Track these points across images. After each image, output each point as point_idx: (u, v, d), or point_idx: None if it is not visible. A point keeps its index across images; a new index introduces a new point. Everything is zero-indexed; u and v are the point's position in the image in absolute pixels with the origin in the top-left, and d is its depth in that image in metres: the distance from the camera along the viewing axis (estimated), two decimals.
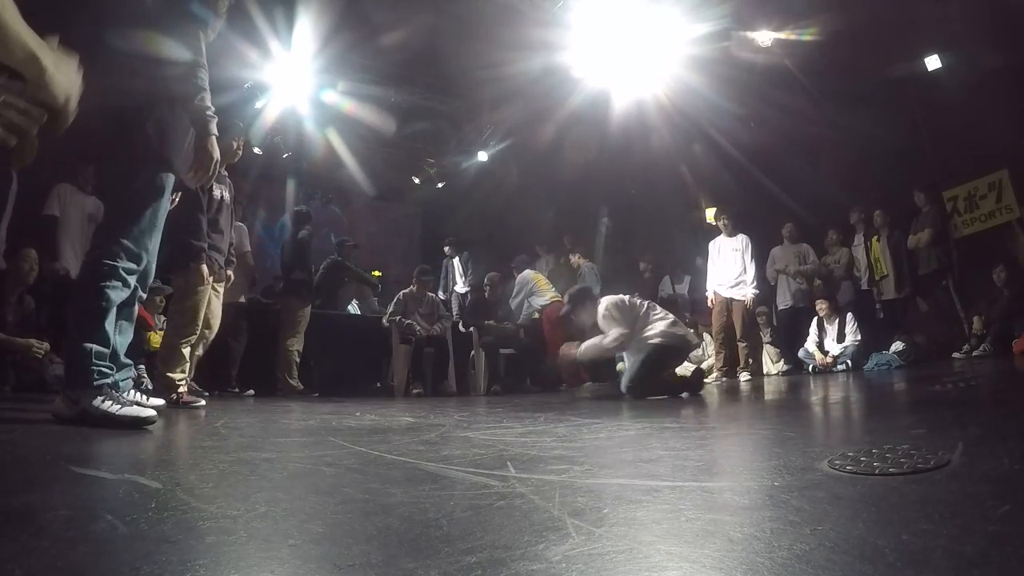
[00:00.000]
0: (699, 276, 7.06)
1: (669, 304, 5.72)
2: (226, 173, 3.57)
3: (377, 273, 8.22)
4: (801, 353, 6.28)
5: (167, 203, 2.23)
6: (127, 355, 2.21)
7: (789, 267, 6.69)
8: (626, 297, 4.41)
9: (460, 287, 8.15)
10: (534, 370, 6.63)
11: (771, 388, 4.78)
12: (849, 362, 5.98)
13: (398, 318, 6.03)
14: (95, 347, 1.95)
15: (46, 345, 3.68)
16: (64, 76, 1.06)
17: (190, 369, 3.49)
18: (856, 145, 6.88)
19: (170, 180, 2.21)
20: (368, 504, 1.10)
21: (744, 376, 5.92)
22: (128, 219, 2.08)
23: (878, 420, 2.55)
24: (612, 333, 4.16)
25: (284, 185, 8.85)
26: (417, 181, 9.63)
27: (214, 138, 2.20)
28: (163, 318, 4.87)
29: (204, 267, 3.26)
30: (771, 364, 6.54)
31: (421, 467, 1.46)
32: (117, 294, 2.03)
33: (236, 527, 0.92)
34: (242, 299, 5.14)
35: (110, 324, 2.02)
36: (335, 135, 8.17)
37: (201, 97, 2.16)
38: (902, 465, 1.21)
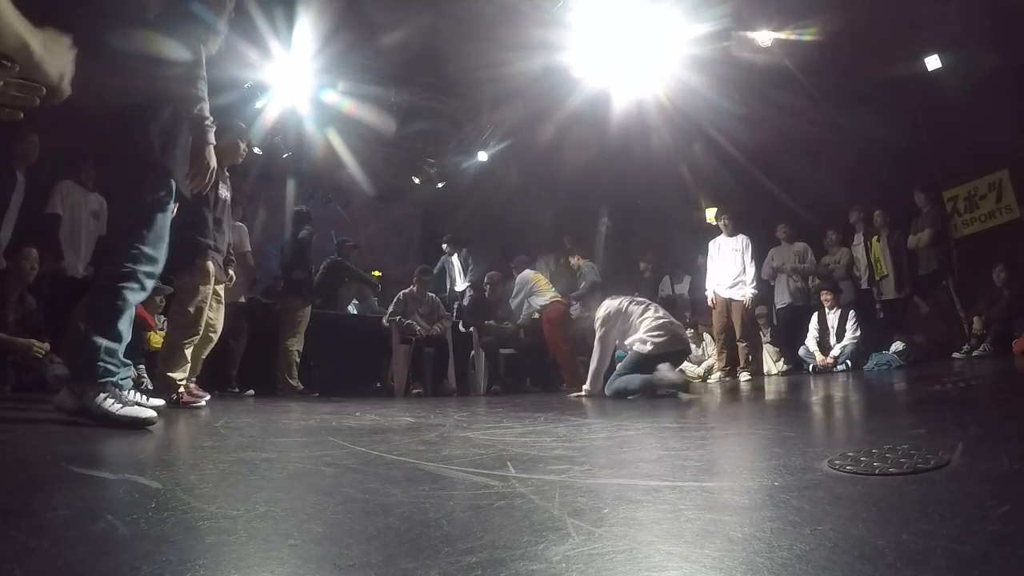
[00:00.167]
0: (699, 276, 7.06)
1: (668, 304, 5.72)
2: (227, 173, 3.57)
3: (377, 273, 8.21)
4: (801, 351, 6.28)
5: (172, 207, 2.26)
6: (127, 355, 2.21)
7: (786, 265, 6.70)
8: (625, 303, 4.48)
9: (459, 285, 8.14)
10: (534, 370, 6.63)
11: (771, 388, 4.78)
12: (849, 362, 5.98)
13: (398, 318, 6.03)
14: (106, 343, 2.00)
15: (46, 345, 3.68)
16: (55, 56, 1.12)
17: (194, 371, 3.48)
18: (856, 145, 6.88)
19: (174, 185, 2.23)
20: (368, 504, 1.10)
21: (744, 376, 5.92)
22: (142, 225, 2.13)
23: (878, 420, 2.55)
24: (594, 353, 4.49)
25: (284, 185, 8.84)
26: (417, 181, 9.63)
27: (211, 147, 2.24)
28: (163, 318, 4.87)
29: (210, 263, 3.27)
30: (771, 364, 6.54)
31: (421, 467, 1.46)
32: (135, 296, 2.12)
33: (236, 527, 0.92)
34: (242, 299, 5.14)
35: (124, 324, 2.08)
36: (335, 135, 8.16)
37: (200, 107, 2.19)
38: (902, 465, 1.21)
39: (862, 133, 6.53)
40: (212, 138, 2.23)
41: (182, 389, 3.13)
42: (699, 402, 3.66)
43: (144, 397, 2.34)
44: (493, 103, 8.02)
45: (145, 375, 4.13)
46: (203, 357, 3.55)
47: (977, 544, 0.78)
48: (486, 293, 6.88)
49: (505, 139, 8.59)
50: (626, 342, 4.40)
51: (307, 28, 6.04)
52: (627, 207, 8.88)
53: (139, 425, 1.94)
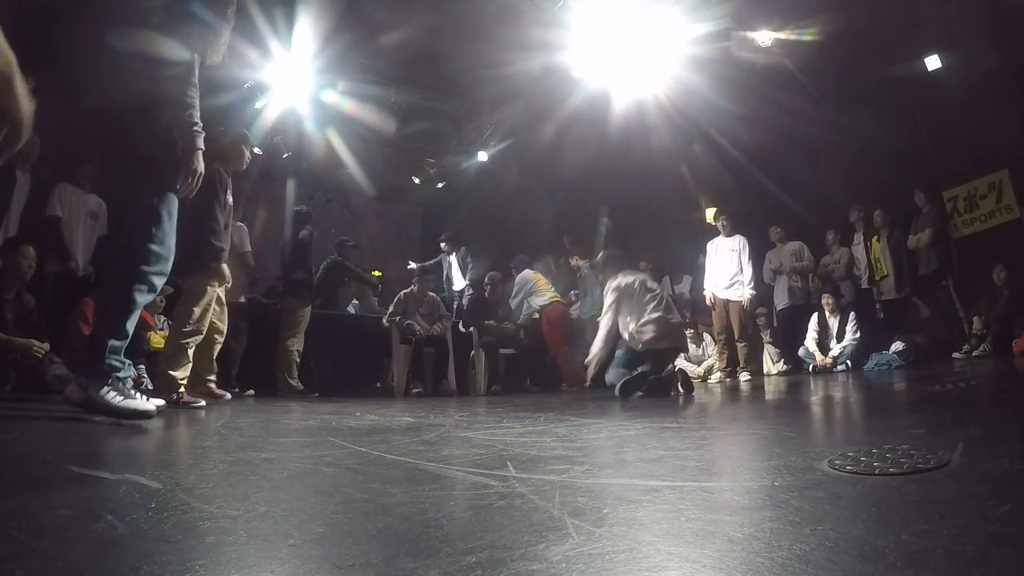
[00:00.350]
0: (699, 276, 7.06)
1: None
2: (231, 179, 3.62)
3: (377, 273, 8.21)
4: (801, 352, 6.29)
5: (176, 204, 2.27)
6: (127, 355, 2.23)
7: (784, 265, 6.70)
8: (638, 284, 4.47)
9: (456, 284, 8.12)
10: (534, 370, 6.63)
11: (771, 388, 4.78)
12: (849, 362, 5.99)
13: (398, 318, 6.03)
14: (113, 341, 2.09)
15: (46, 345, 3.67)
16: (15, 99, 1.10)
17: (210, 371, 3.57)
18: (856, 145, 6.87)
19: (175, 179, 2.24)
20: (368, 504, 1.10)
21: (744, 376, 5.92)
22: (150, 224, 2.17)
23: (878, 420, 2.55)
24: (600, 331, 4.43)
25: (284, 185, 8.84)
26: (417, 181, 9.63)
27: (200, 152, 2.26)
28: (163, 318, 4.87)
29: (224, 267, 3.37)
30: (771, 364, 6.54)
31: (421, 467, 1.46)
32: (143, 297, 2.19)
33: (236, 527, 0.92)
34: (242, 299, 5.14)
35: (131, 323, 2.16)
36: (335, 135, 8.16)
37: (190, 113, 2.21)
38: (902, 465, 1.21)
39: (862, 133, 6.52)
40: (201, 143, 2.25)
41: (183, 388, 3.15)
42: (699, 402, 3.66)
43: (144, 397, 2.34)
44: (493, 103, 8.02)
45: (145, 375, 4.13)
46: (214, 358, 3.62)
47: (977, 544, 0.78)
48: (486, 293, 6.88)
49: (505, 139, 8.59)
50: (624, 334, 4.43)
51: (307, 28, 6.04)
52: (627, 207, 8.88)
53: (139, 416, 2.03)
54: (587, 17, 6.00)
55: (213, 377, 3.63)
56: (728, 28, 6.15)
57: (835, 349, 6.10)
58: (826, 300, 6.31)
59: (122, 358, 2.14)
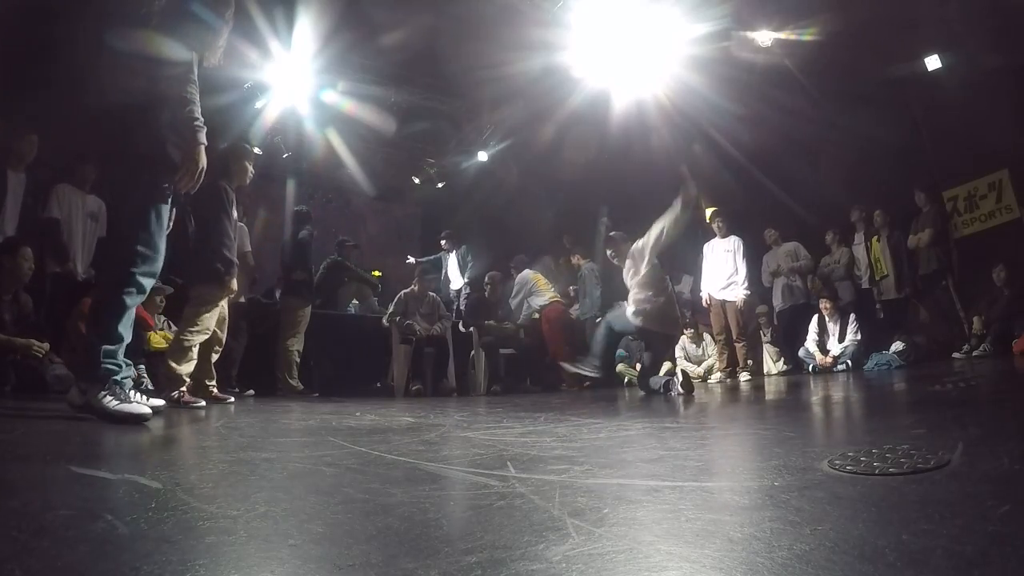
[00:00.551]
0: (699, 276, 7.06)
1: None
2: (235, 195, 3.73)
3: (377, 273, 8.21)
4: (801, 352, 6.29)
5: (168, 204, 2.28)
6: (126, 355, 2.24)
7: (782, 267, 6.71)
8: (650, 255, 4.66)
9: (455, 283, 8.11)
10: (534, 370, 6.63)
11: (771, 388, 4.78)
12: (849, 362, 5.99)
13: (398, 318, 6.03)
14: (105, 346, 2.12)
15: (46, 345, 3.67)
16: None
17: (210, 376, 3.63)
18: (856, 145, 6.87)
19: (171, 179, 2.23)
20: (368, 504, 1.10)
21: (744, 376, 5.92)
22: (138, 226, 2.19)
23: (878, 420, 2.55)
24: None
25: (284, 185, 8.83)
26: (417, 181, 9.63)
27: (202, 147, 2.26)
28: (163, 318, 4.87)
29: (234, 281, 3.50)
30: (771, 364, 6.54)
31: (421, 467, 1.46)
32: (133, 299, 2.20)
33: (236, 527, 0.92)
34: (242, 299, 5.14)
35: (123, 326, 2.18)
36: (335, 135, 8.16)
37: (190, 109, 2.22)
38: (902, 465, 1.21)
39: (862, 133, 6.52)
40: (203, 138, 2.26)
41: (185, 388, 3.19)
42: (699, 402, 3.66)
43: (144, 397, 2.34)
44: (493, 103, 8.01)
45: (145, 375, 4.13)
46: (212, 364, 3.68)
47: (977, 544, 0.78)
48: (486, 293, 6.88)
49: (505, 139, 8.58)
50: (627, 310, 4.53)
51: (307, 28, 6.04)
52: (627, 207, 8.87)
53: (133, 421, 2.05)
54: (587, 17, 5.99)
55: (214, 382, 3.69)
56: (728, 28, 6.14)
57: (835, 349, 6.10)
58: (824, 305, 6.30)
59: (119, 360, 2.16)
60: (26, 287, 3.93)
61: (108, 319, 2.15)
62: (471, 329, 6.60)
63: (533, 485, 1.23)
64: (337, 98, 7.33)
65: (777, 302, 6.83)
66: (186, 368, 3.23)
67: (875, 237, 6.64)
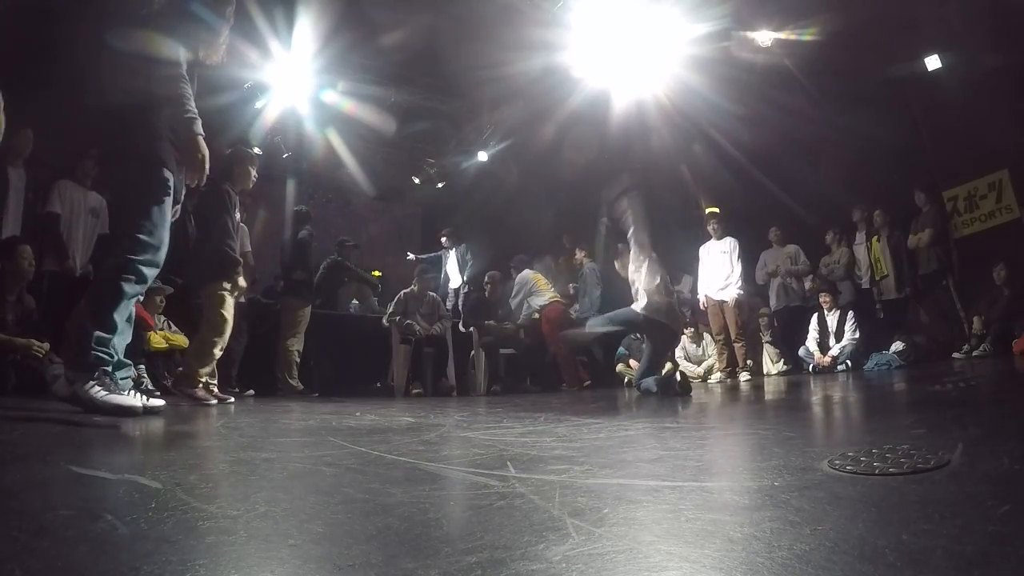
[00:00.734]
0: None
1: None
2: (239, 198, 3.80)
3: (377, 273, 8.21)
4: (801, 352, 6.29)
5: (171, 199, 2.28)
6: (126, 355, 2.23)
7: (780, 268, 6.72)
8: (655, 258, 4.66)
9: (454, 283, 8.10)
10: (534, 370, 6.63)
11: (771, 388, 4.78)
12: (849, 362, 5.99)
13: (398, 318, 6.03)
14: (98, 333, 2.06)
15: (46, 345, 3.67)
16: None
17: (211, 375, 3.67)
18: (856, 145, 6.87)
19: (172, 177, 2.24)
20: (368, 504, 1.10)
21: (744, 376, 5.93)
22: (141, 218, 2.17)
23: (878, 420, 2.55)
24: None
25: (284, 185, 8.83)
26: (417, 181, 9.62)
27: (200, 137, 2.27)
28: (163, 318, 4.87)
29: (241, 279, 3.60)
30: (771, 364, 6.54)
31: (421, 467, 1.46)
32: (132, 288, 2.16)
33: (236, 527, 0.92)
34: (242, 299, 5.15)
35: (119, 315, 2.13)
36: (335, 135, 8.16)
37: (185, 105, 2.22)
38: (902, 465, 1.21)
39: (862, 133, 6.52)
40: (199, 128, 2.27)
41: (200, 386, 3.23)
42: (699, 402, 3.66)
43: (144, 397, 2.34)
44: (493, 103, 8.01)
45: (145, 375, 4.13)
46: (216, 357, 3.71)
47: (977, 544, 0.78)
48: (486, 293, 6.88)
49: (505, 139, 8.58)
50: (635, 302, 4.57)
51: (307, 28, 6.04)
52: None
53: (119, 413, 2.00)
54: (587, 17, 6.00)
55: (215, 381, 3.73)
56: (728, 28, 6.15)
57: (835, 349, 6.10)
58: (824, 298, 6.33)
59: (111, 350, 2.10)
60: (28, 287, 3.94)
61: (104, 305, 2.09)
62: (471, 329, 6.60)
63: (533, 485, 1.23)
64: (337, 98, 7.33)
65: (772, 302, 6.85)
66: (207, 369, 3.33)
67: (875, 237, 6.65)
